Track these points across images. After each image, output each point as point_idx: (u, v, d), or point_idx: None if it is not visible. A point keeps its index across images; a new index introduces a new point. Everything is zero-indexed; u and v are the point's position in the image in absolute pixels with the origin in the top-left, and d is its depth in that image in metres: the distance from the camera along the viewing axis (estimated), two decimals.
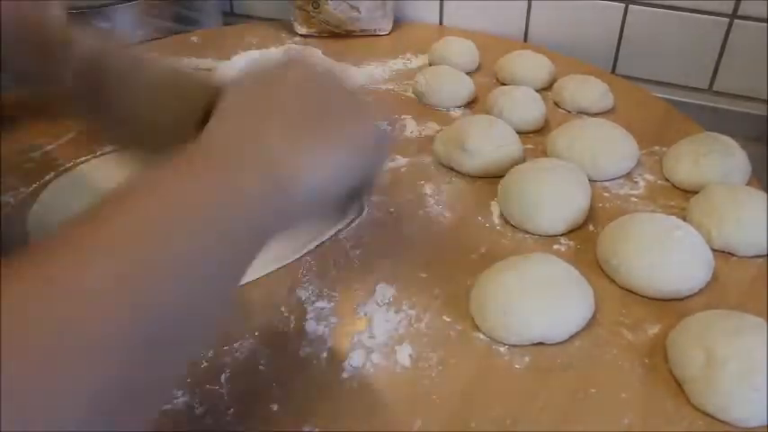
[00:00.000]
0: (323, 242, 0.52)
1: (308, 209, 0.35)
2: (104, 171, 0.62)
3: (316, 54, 0.44)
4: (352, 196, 0.39)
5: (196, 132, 0.35)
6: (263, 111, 0.35)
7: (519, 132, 0.65)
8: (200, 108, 0.38)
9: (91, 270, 0.25)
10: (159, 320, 0.26)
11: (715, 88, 0.84)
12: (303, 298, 0.48)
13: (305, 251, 0.51)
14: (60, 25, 0.52)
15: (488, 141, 0.61)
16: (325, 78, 0.39)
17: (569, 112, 0.74)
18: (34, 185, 0.60)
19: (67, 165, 0.63)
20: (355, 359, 0.43)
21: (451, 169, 0.63)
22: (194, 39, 0.91)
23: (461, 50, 0.83)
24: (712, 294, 0.49)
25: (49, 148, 0.66)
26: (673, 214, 0.53)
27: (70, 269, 0.25)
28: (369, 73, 0.83)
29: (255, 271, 0.46)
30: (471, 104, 0.76)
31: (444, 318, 0.46)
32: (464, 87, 0.75)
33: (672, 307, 0.47)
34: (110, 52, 0.48)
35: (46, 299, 0.24)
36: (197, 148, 0.33)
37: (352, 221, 0.43)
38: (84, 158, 0.64)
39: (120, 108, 0.46)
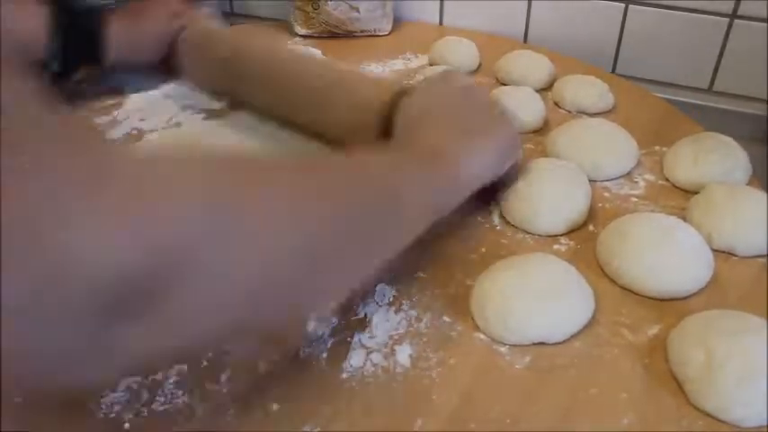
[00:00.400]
0: None
1: (465, 191, 0.49)
2: None
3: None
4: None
5: (374, 129, 0.53)
6: (435, 120, 0.50)
7: (519, 132, 0.65)
8: (375, 110, 0.53)
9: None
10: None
11: (715, 88, 0.84)
12: None
13: None
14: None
15: None
16: (475, 93, 0.55)
17: (569, 112, 0.74)
18: None
19: None
20: (355, 359, 0.43)
21: None
22: None
23: (461, 50, 0.83)
24: (712, 294, 0.48)
25: None
26: (673, 214, 0.53)
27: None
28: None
29: None
30: None
31: (444, 318, 0.46)
32: None
33: (672, 307, 0.47)
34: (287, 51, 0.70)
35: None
36: (394, 145, 0.49)
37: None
38: None
39: (302, 102, 0.62)
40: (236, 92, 0.70)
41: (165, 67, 0.72)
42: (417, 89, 0.53)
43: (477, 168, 0.49)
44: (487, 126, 0.52)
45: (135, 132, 0.69)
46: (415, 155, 0.47)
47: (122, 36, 0.69)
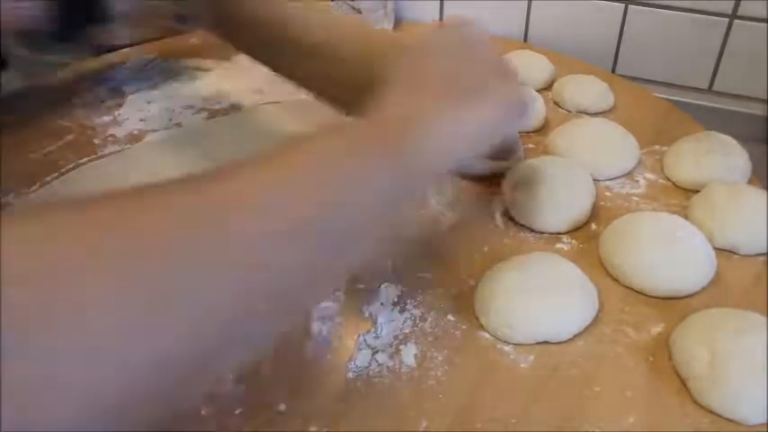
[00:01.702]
0: None
1: (438, 166, 0.39)
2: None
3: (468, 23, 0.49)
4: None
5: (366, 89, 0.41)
6: (417, 87, 0.40)
7: (519, 132, 0.65)
8: (371, 69, 0.47)
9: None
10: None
11: (715, 88, 0.84)
12: None
13: None
14: None
15: None
16: (474, 45, 0.46)
17: (569, 111, 0.74)
18: (35, 187, 0.60)
19: (68, 166, 0.63)
20: (361, 359, 0.43)
21: None
22: (194, 39, 0.91)
23: None
24: (715, 293, 0.49)
25: (51, 148, 0.66)
26: (674, 213, 0.53)
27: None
28: None
29: None
30: None
31: (449, 317, 0.46)
32: None
33: (675, 305, 0.47)
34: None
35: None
36: (364, 121, 0.38)
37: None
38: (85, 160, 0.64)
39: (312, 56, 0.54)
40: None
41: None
42: (414, 44, 0.46)
43: (457, 140, 0.39)
44: (480, 85, 0.42)
45: (136, 132, 0.69)
46: (376, 131, 0.37)
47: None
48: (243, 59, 0.82)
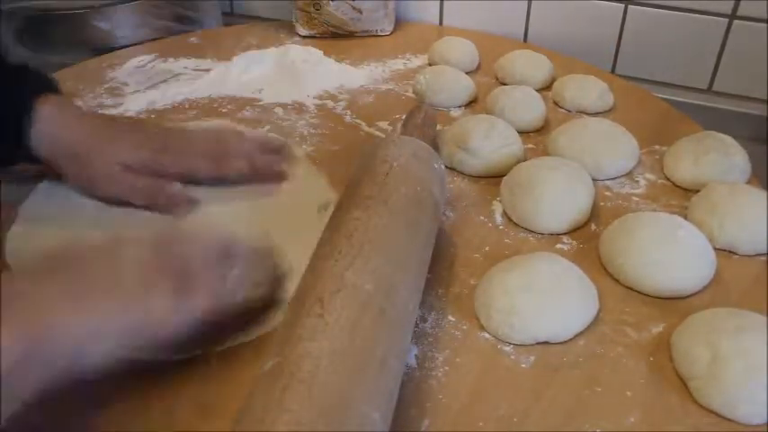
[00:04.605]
0: None
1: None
2: None
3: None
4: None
5: None
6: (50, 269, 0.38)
7: (519, 132, 0.65)
8: None
9: None
10: None
11: (715, 88, 0.84)
12: None
13: None
14: None
15: (490, 141, 0.62)
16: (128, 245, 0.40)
17: (569, 111, 0.74)
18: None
19: None
20: None
21: (453, 169, 0.63)
22: (194, 39, 0.91)
23: (461, 50, 0.83)
24: (715, 293, 0.49)
25: None
26: (674, 213, 0.53)
27: None
28: (368, 73, 0.83)
29: None
30: (471, 104, 0.76)
31: (449, 317, 0.46)
32: (464, 87, 0.76)
33: (675, 305, 0.48)
34: None
35: None
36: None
37: None
38: None
39: None
40: None
41: None
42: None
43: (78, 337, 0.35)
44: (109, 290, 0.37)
45: None
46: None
47: None
48: (243, 59, 0.83)
